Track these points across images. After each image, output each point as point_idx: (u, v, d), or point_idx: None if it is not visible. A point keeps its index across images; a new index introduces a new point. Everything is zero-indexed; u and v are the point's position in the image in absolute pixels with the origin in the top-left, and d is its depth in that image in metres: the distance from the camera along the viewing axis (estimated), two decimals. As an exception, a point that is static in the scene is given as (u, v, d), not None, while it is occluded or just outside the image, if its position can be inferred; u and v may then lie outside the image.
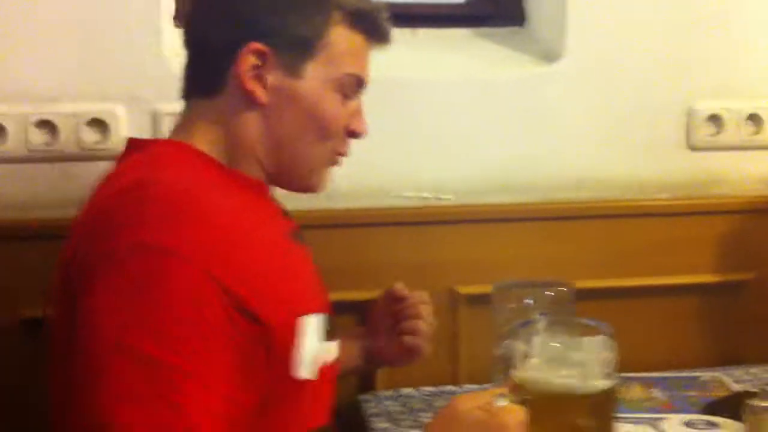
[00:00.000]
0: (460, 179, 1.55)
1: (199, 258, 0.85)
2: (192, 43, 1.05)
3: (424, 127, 1.54)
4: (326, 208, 1.49)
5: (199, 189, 0.94)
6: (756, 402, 1.10)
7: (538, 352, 0.92)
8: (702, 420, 1.25)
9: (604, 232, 1.59)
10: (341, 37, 1.03)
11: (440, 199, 1.54)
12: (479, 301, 1.43)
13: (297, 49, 1.01)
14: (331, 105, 1.04)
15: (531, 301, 1.23)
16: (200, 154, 1.01)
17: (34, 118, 1.41)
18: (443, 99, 1.55)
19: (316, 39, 1.01)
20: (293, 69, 1.01)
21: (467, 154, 1.56)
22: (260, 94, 1.00)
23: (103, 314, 0.83)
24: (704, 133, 1.64)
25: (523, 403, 0.89)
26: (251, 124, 1.02)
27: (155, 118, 1.44)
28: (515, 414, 0.87)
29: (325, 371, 1.01)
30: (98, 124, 1.42)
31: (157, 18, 1.43)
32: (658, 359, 1.55)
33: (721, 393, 1.39)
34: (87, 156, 1.43)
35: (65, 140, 1.42)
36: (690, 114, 1.63)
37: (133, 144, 1.05)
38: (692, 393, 1.40)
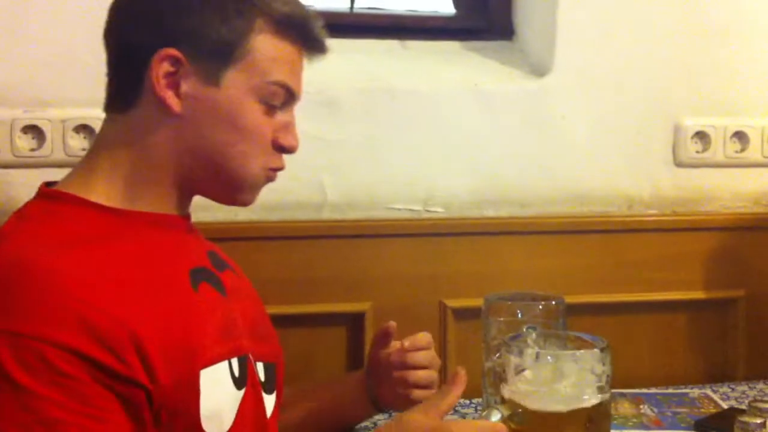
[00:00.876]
0: (450, 192, 1.55)
1: (51, 333, 0.79)
2: (109, 51, 0.99)
3: (414, 139, 1.54)
4: (316, 219, 1.48)
5: (51, 254, 0.84)
6: (746, 419, 1.10)
7: (531, 366, 0.91)
8: (692, 437, 1.25)
9: (594, 247, 1.59)
10: (266, 44, 0.97)
11: (430, 211, 1.54)
12: (468, 314, 1.42)
13: (215, 55, 0.95)
14: (252, 115, 0.97)
15: (522, 315, 1.23)
16: (82, 203, 0.93)
17: (21, 123, 1.39)
18: (433, 112, 1.54)
19: (237, 45, 0.95)
20: (210, 76, 0.95)
21: (457, 168, 1.55)
22: (173, 102, 0.94)
23: None
24: (691, 150, 1.64)
25: (515, 416, 0.89)
26: (165, 135, 0.96)
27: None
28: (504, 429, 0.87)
29: (247, 421, 0.95)
30: (86, 130, 1.41)
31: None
32: (646, 375, 1.56)
33: (710, 410, 1.39)
34: (74, 162, 1.40)
35: (52, 146, 1.40)
36: (677, 131, 1.63)
37: (38, 194, 0.98)
38: (682, 410, 1.39)
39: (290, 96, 1.00)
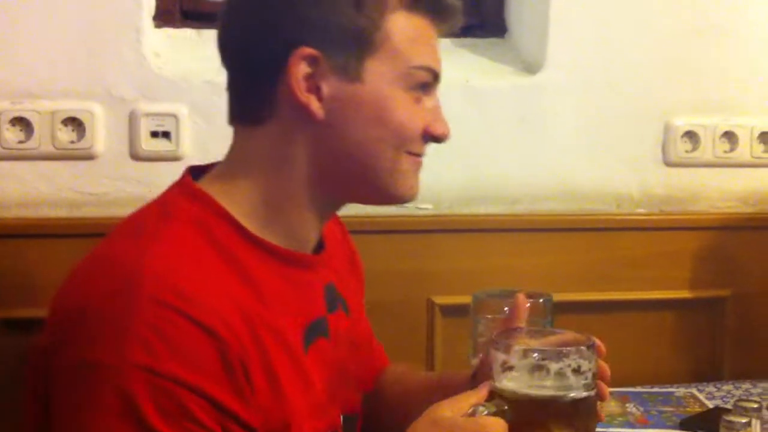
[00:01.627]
0: (440, 189, 1.55)
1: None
2: (230, 61, 0.90)
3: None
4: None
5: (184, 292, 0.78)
6: (732, 418, 1.10)
7: (518, 362, 0.91)
8: (678, 435, 1.26)
9: (583, 245, 1.59)
10: (402, 24, 0.87)
11: (419, 208, 1.53)
12: (456, 311, 1.42)
13: (352, 46, 0.85)
14: (403, 107, 0.88)
15: (507, 312, 1.22)
16: (226, 216, 0.86)
17: (9, 115, 1.38)
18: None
19: (373, 31, 0.85)
20: (351, 71, 0.85)
21: (447, 164, 1.55)
22: (316, 107, 0.85)
23: None
24: (681, 149, 1.65)
25: (501, 412, 0.89)
26: (305, 145, 0.87)
27: (133, 119, 1.42)
28: (497, 423, 0.85)
29: None
30: (74, 122, 1.40)
31: (138, 17, 1.41)
32: (633, 374, 1.56)
33: (696, 409, 1.40)
34: (61, 155, 1.40)
35: (40, 138, 1.39)
36: (667, 130, 1.64)
37: (180, 179, 0.91)
38: (667, 409, 1.40)
39: (435, 78, 0.92)
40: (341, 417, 0.98)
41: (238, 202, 0.88)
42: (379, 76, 0.86)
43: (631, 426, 1.32)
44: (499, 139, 1.58)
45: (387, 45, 0.86)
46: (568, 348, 0.91)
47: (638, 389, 1.50)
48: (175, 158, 1.42)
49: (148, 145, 1.43)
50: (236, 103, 0.91)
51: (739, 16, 1.65)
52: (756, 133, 1.68)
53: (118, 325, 0.76)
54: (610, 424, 1.31)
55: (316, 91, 0.85)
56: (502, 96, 1.57)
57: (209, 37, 1.53)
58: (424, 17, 0.89)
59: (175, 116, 1.43)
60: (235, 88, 0.91)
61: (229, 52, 0.90)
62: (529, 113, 1.58)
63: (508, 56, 1.65)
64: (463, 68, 1.61)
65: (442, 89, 1.52)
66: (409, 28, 0.88)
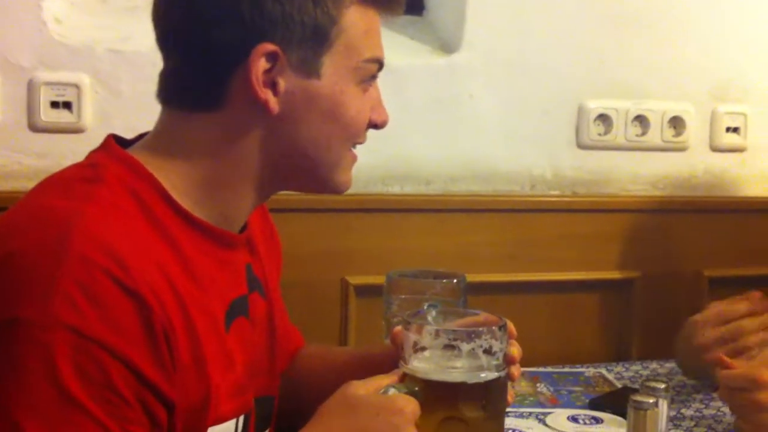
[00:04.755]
0: (354, 168, 1.51)
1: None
2: (181, 47, 0.87)
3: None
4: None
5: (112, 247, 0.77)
6: (639, 398, 1.12)
7: (429, 343, 0.90)
8: (586, 415, 1.27)
9: (496, 226, 1.60)
10: (356, 17, 0.87)
11: (333, 187, 1.50)
12: (370, 291, 1.40)
13: (311, 41, 0.85)
14: (354, 102, 0.89)
15: (423, 292, 1.21)
16: (159, 189, 0.85)
17: None
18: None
19: (330, 26, 0.85)
20: (309, 67, 0.86)
21: (374, 142, 1.53)
22: (272, 102, 0.85)
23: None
24: (593, 132, 1.66)
25: (412, 393, 0.87)
26: (257, 137, 0.87)
27: (32, 88, 1.34)
28: (410, 402, 0.85)
29: None
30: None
31: (37, -18, 1.33)
32: (545, 354, 1.57)
33: (605, 389, 1.42)
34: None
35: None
36: (580, 112, 1.65)
37: (105, 143, 0.89)
38: (577, 388, 1.41)
39: (380, 68, 0.93)
40: (256, 399, 0.96)
41: (172, 180, 0.87)
42: (334, 72, 0.87)
43: (542, 406, 1.32)
44: (415, 118, 1.56)
45: (342, 40, 0.87)
46: (480, 329, 0.90)
47: (549, 369, 1.52)
48: (77, 130, 1.36)
49: (48, 116, 1.36)
50: (178, 86, 0.89)
51: (655, 3, 1.67)
52: (667, 118, 1.71)
53: (46, 279, 0.74)
54: (520, 404, 1.32)
55: (272, 86, 0.85)
56: (418, 75, 1.56)
57: (116, 5, 1.48)
58: (376, 9, 0.90)
59: (76, 86, 1.36)
60: (180, 72, 0.88)
61: (181, 37, 0.87)
62: (445, 93, 1.57)
63: (425, 35, 1.64)
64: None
65: None
66: (362, 21, 0.88)
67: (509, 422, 1.24)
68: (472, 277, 1.44)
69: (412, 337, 0.90)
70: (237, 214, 0.93)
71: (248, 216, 0.95)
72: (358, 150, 1.48)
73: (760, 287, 1.67)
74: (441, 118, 1.57)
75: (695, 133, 1.72)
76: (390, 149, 1.54)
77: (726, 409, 1.25)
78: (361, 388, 0.85)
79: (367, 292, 1.45)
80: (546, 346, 1.63)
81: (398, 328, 0.94)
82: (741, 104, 1.75)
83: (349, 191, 1.48)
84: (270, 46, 0.84)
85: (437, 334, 0.90)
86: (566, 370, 1.52)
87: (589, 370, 1.52)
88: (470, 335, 0.89)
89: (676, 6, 1.68)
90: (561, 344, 1.64)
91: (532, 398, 1.36)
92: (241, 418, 0.91)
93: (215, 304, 0.88)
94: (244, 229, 0.96)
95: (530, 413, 1.29)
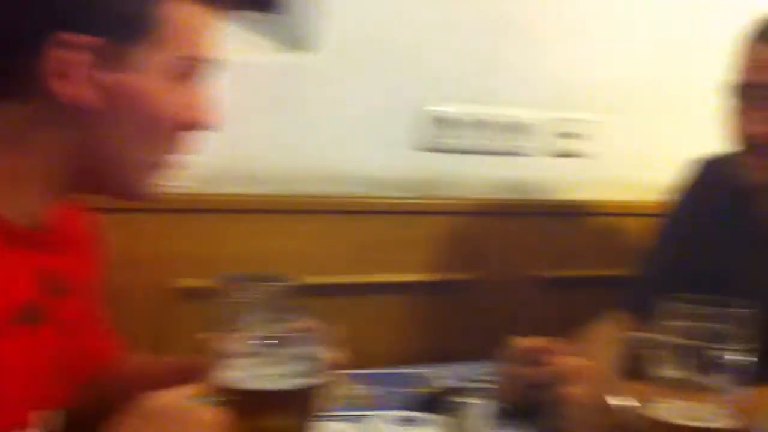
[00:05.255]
0: (199, 167, 1.46)
1: None
2: None
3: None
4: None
5: None
6: (457, 398, 1.14)
7: (241, 350, 0.87)
8: (404, 416, 1.27)
9: (335, 228, 1.59)
10: (173, 11, 0.84)
11: (177, 186, 1.44)
12: (199, 296, 1.36)
13: (122, 33, 0.81)
14: (163, 98, 0.85)
15: (252, 296, 1.19)
16: None
17: None
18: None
19: (145, 19, 0.82)
20: (117, 60, 0.82)
21: (210, 141, 1.48)
22: (71, 95, 0.80)
23: None
24: (433, 134, 1.68)
25: (222, 404, 0.85)
26: (55, 133, 0.83)
27: None
28: (212, 413, 0.82)
29: None
30: None
31: None
32: (380, 355, 1.58)
33: (426, 390, 1.43)
34: None
35: None
36: (420, 115, 1.66)
37: None
38: (398, 389, 1.41)
39: (202, 66, 0.89)
40: (43, 412, 0.91)
41: None
42: (147, 66, 0.83)
43: (361, 408, 1.31)
44: (262, 118, 1.53)
45: (159, 32, 0.83)
46: (295, 334, 0.89)
47: (373, 371, 1.51)
48: None
49: None
50: None
51: (493, 8, 1.70)
52: (507, 122, 1.74)
53: None
54: (339, 408, 1.30)
55: (74, 78, 0.81)
56: (270, 73, 1.53)
57: None
58: (199, 3, 0.87)
59: None
60: None
61: None
62: (296, 92, 1.55)
63: (278, 32, 1.60)
64: (229, 41, 1.54)
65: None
66: (181, 15, 0.85)
67: (330, 427, 1.23)
68: (310, 280, 1.43)
69: (224, 344, 0.88)
70: (34, 212, 0.87)
71: (45, 214, 0.90)
72: (201, 149, 1.45)
73: (590, 288, 1.75)
74: (288, 119, 1.55)
75: (534, 138, 1.77)
76: (230, 149, 1.50)
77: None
78: (159, 400, 0.81)
79: (196, 296, 1.41)
80: (383, 348, 1.63)
81: (210, 334, 0.92)
82: (579, 111, 1.81)
83: (182, 191, 1.46)
84: (71, 36, 0.79)
85: (249, 340, 0.88)
86: (390, 371, 1.52)
87: (412, 371, 1.53)
88: (285, 341, 0.88)
89: (517, 11, 1.72)
90: (396, 346, 1.65)
91: (352, 401, 1.35)
92: None
93: None
94: (46, 228, 0.90)
95: (348, 416, 1.27)
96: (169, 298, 1.43)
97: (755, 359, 1.06)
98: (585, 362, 1.26)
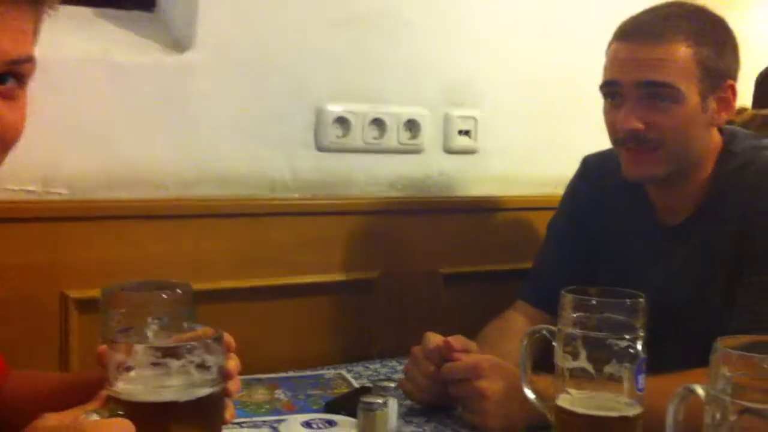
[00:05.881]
0: (76, 172, 1.41)
1: None
2: None
3: (35, 110, 1.36)
4: None
5: None
6: (368, 398, 1.12)
7: (136, 362, 0.83)
8: (320, 419, 1.25)
9: (236, 231, 1.55)
10: None
11: (51, 193, 1.38)
12: (94, 306, 1.30)
13: None
14: None
15: (146, 305, 1.14)
16: None
17: None
18: (59, 82, 1.39)
19: None
20: None
21: (86, 145, 1.42)
22: None
23: None
24: (332, 134, 1.66)
25: (122, 418, 0.81)
26: None
27: None
28: (113, 427, 0.77)
29: None
30: None
31: None
32: (288, 359, 1.56)
33: (343, 390, 1.42)
34: None
35: None
36: (319, 115, 1.64)
37: None
38: (315, 392, 1.40)
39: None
40: None
41: None
42: None
43: (278, 413, 1.29)
44: (146, 119, 1.48)
45: None
46: (191, 343, 0.85)
47: (289, 374, 1.50)
48: None
49: None
50: None
51: (392, 8, 1.69)
52: (402, 120, 1.74)
53: None
54: (255, 413, 1.28)
55: None
56: (148, 74, 1.47)
57: None
58: None
59: None
60: None
61: None
62: (178, 93, 1.50)
63: (155, 32, 1.55)
64: (103, 41, 1.48)
65: (78, 63, 1.40)
66: None
67: (243, 434, 1.20)
68: (209, 285, 1.39)
69: (118, 356, 0.84)
70: None
71: None
72: (76, 153, 1.39)
73: (492, 283, 1.77)
74: (174, 120, 1.50)
75: (429, 135, 1.78)
76: (117, 152, 1.45)
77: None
78: (54, 419, 0.77)
79: (90, 307, 1.35)
80: (290, 351, 1.61)
81: (102, 347, 0.87)
82: (472, 108, 1.82)
83: (68, 197, 1.40)
84: None
85: (144, 351, 0.84)
86: (307, 373, 1.51)
87: (330, 372, 1.52)
88: (180, 351, 0.84)
89: (411, 10, 1.72)
90: (303, 348, 1.62)
91: (268, 406, 1.33)
92: None
93: None
94: None
95: (264, 422, 1.25)
96: (62, 310, 1.36)
97: (648, 348, 1.09)
98: (492, 357, 1.27)
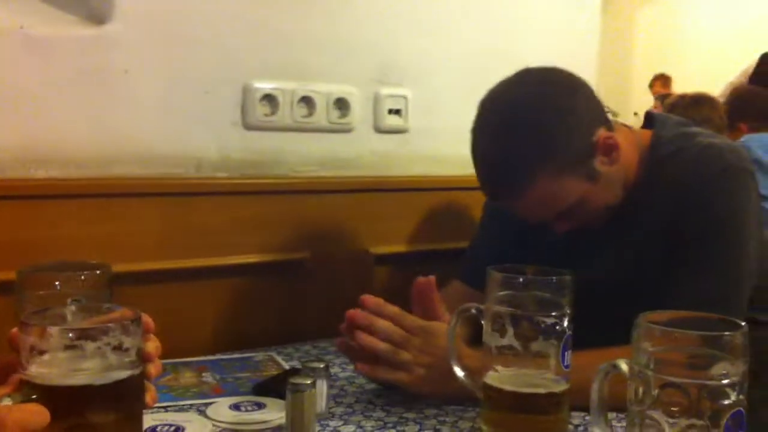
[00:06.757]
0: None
1: None
2: None
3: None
4: None
5: None
6: (296, 380, 1.11)
7: (49, 345, 0.80)
8: (249, 401, 1.24)
9: (159, 211, 1.51)
10: None
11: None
12: (6, 288, 1.25)
13: None
14: None
15: (62, 287, 1.10)
16: None
17: None
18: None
19: None
20: None
21: (3, 120, 1.36)
22: None
23: None
24: (260, 112, 1.63)
25: (37, 402, 0.77)
26: None
27: None
28: (28, 412, 0.75)
29: None
30: None
31: None
32: (216, 342, 1.53)
33: (272, 372, 1.40)
34: None
35: None
36: (246, 92, 1.60)
37: None
38: (244, 374, 1.38)
39: None
40: None
41: None
42: None
43: (205, 396, 1.27)
44: (63, 95, 1.42)
45: None
46: (107, 325, 0.82)
47: (217, 357, 1.47)
48: None
49: None
50: None
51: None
52: (332, 99, 1.72)
53: None
54: (182, 397, 1.26)
55: None
56: (64, 47, 1.42)
57: None
58: None
59: None
60: None
61: None
62: (97, 68, 1.45)
63: (72, 3, 1.48)
64: (18, 14, 1.41)
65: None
66: None
67: (168, 417, 1.18)
68: (129, 267, 1.36)
69: (30, 339, 0.81)
70: None
71: None
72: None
73: (425, 263, 1.76)
74: (92, 96, 1.45)
75: (360, 114, 1.76)
76: (32, 129, 1.40)
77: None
78: None
79: (5, 289, 1.29)
80: (218, 334, 1.58)
81: (14, 330, 0.83)
82: (401, 87, 1.81)
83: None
84: None
85: (58, 334, 0.80)
86: (236, 356, 1.49)
87: (260, 354, 1.50)
88: (95, 333, 0.81)
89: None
90: (232, 330, 1.59)
91: (195, 389, 1.30)
92: None
93: None
94: None
95: (191, 405, 1.23)
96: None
97: (574, 325, 1.10)
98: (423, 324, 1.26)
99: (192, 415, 1.19)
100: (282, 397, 1.14)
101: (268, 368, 1.43)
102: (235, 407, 1.21)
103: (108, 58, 1.45)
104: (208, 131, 1.58)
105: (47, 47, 1.40)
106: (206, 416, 1.19)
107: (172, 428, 1.13)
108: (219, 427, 1.15)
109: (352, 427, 1.17)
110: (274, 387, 1.28)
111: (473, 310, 1.17)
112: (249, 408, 1.21)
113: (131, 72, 1.47)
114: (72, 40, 1.42)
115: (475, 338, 1.22)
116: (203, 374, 1.37)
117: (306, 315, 1.69)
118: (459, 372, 1.18)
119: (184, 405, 1.23)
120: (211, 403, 1.23)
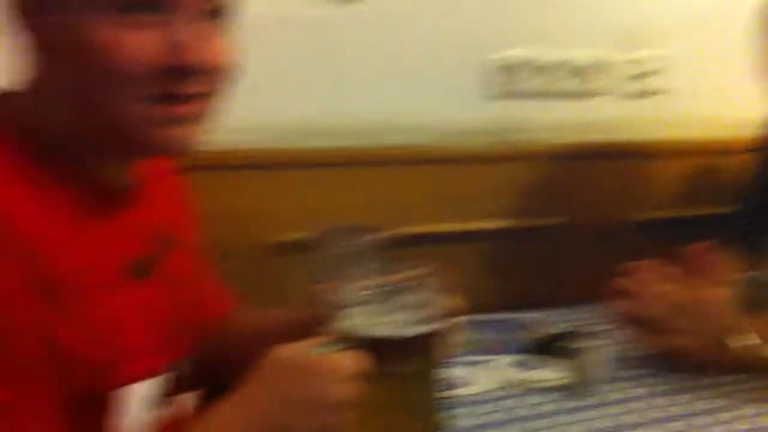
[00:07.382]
0: (277, 121, 1.47)
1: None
2: None
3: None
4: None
5: None
6: (572, 343, 1.12)
7: (358, 299, 0.87)
8: (530, 359, 1.26)
9: (429, 178, 1.58)
10: None
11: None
12: (300, 249, 1.37)
13: None
14: (119, 42, 0.73)
15: (357, 246, 1.18)
16: (30, 143, 0.78)
17: None
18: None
19: None
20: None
21: (270, 99, 1.47)
22: (33, 32, 0.76)
23: None
24: (505, 81, 1.65)
25: (349, 352, 0.85)
26: (44, 77, 0.79)
27: None
28: (344, 359, 0.81)
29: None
30: None
31: None
32: (485, 302, 1.56)
33: (547, 333, 1.41)
34: None
35: None
36: (491, 62, 1.63)
37: None
38: (519, 334, 1.40)
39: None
40: (170, 362, 0.92)
41: (47, 126, 0.80)
42: (86, 7, 0.73)
43: (486, 352, 1.31)
44: (321, 71, 1.51)
45: None
46: (411, 282, 0.88)
47: (491, 317, 1.51)
48: None
49: None
50: None
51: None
52: (575, 65, 1.70)
53: None
54: (464, 354, 1.29)
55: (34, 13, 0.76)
56: (318, 27, 1.49)
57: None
58: None
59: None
60: None
61: None
62: (347, 45, 1.52)
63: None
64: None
65: (256, 19, 1.44)
66: None
67: (453, 372, 1.22)
68: (408, 230, 1.43)
69: (340, 294, 0.88)
70: (120, 173, 0.87)
71: (140, 174, 0.90)
72: (281, 101, 1.45)
73: (675, 229, 1.70)
74: (346, 70, 1.53)
75: (607, 78, 1.73)
76: (297, 104, 1.50)
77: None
78: (288, 351, 0.81)
79: (298, 249, 1.42)
80: (485, 295, 1.62)
81: (324, 286, 0.91)
82: (651, 48, 1.75)
83: (275, 146, 1.46)
84: None
85: (366, 289, 0.87)
86: (509, 316, 1.51)
87: (527, 316, 1.52)
88: (401, 289, 0.87)
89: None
90: (500, 292, 1.63)
91: (474, 345, 1.34)
92: (153, 381, 0.87)
93: (101, 265, 0.82)
94: (138, 186, 0.90)
95: (474, 361, 1.27)
96: (270, 253, 1.44)
97: None
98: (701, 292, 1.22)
99: (476, 370, 1.23)
100: (560, 356, 1.16)
101: (537, 330, 1.44)
102: (519, 364, 1.24)
103: (352, 36, 1.52)
104: (451, 102, 1.62)
105: (296, 27, 1.47)
106: (490, 371, 1.22)
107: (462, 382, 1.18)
108: (507, 383, 1.19)
109: (643, 390, 1.16)
110: (547, 348, 1.29)
111: (754, 278, 1.12)
112: (531, 365, 1.24)
113: (376, 48, 1.55)
114: (319, 20, 1.49)
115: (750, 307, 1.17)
116: (479, 332, 1.41)
117: (571, 279, 1.69)
118: (742, 341, 1.14)
119: (466, 360, 1.27)
120: (492, 360, 1.27)
